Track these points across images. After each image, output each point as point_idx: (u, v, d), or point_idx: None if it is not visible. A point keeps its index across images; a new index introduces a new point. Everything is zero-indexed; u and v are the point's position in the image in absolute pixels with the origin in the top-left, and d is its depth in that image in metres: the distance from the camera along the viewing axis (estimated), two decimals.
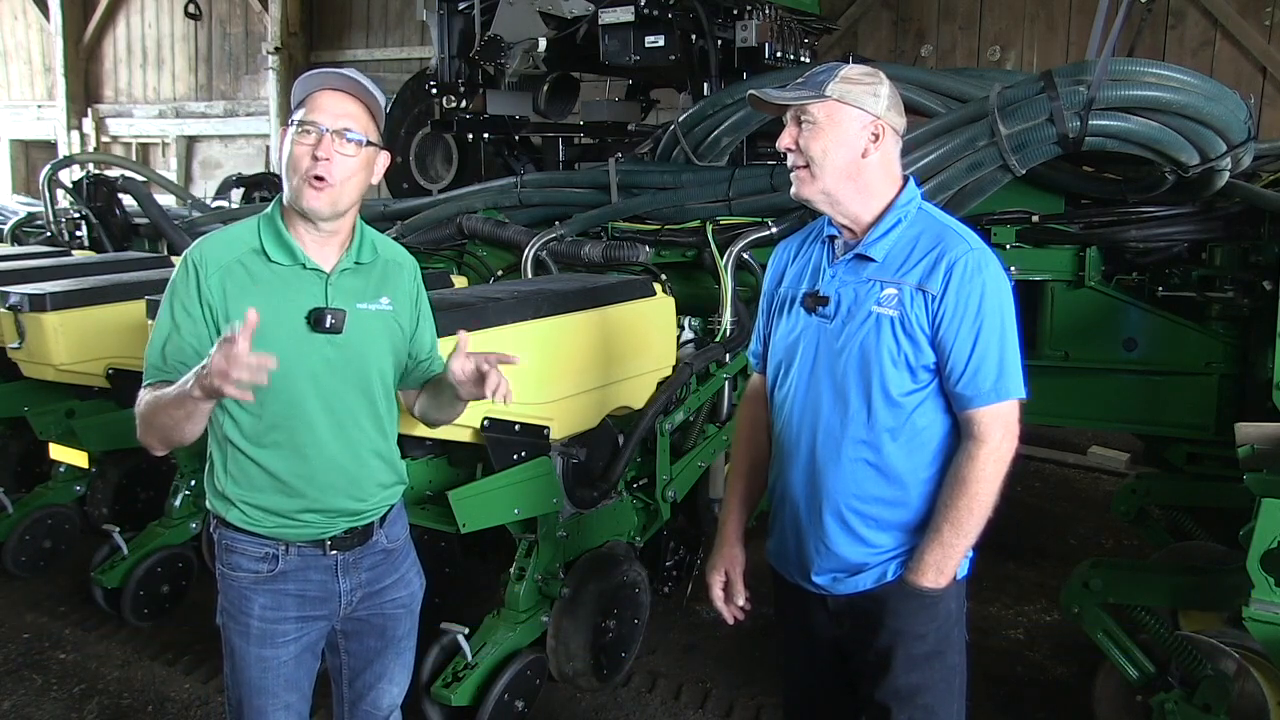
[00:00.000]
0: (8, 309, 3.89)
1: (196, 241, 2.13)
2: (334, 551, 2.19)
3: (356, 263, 2.16)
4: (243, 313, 1.98)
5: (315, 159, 2.00)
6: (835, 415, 2.06)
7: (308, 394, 2.10)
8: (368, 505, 2.23)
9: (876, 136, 2.04)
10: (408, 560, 2.38)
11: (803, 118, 2.04)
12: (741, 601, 2.32)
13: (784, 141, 2.07)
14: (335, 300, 2.11)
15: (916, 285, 2.00)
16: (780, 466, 2.20)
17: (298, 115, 2.04)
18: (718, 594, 2.32)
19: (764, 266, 2.35)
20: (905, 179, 2.13)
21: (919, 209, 2.10)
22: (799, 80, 2.11)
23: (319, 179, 2.01)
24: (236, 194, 6.68)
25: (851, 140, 2.03)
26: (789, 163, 2.09)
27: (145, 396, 2.04)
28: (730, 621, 2.36)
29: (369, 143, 2.07)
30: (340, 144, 2.02)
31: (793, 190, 2.10)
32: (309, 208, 2.04)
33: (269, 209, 2.13)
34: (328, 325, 2.08)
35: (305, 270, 2.10)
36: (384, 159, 2.15)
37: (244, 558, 2.15)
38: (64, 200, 6.13)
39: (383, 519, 2.28)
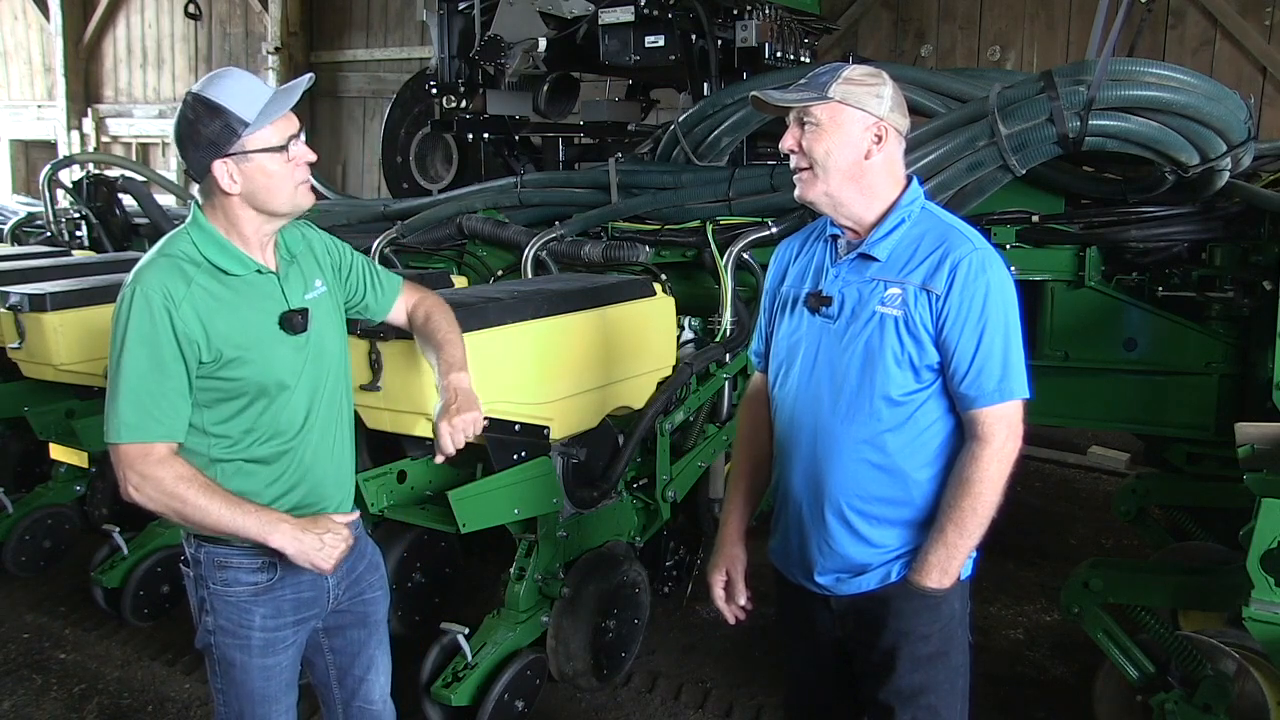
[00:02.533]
0: (8, 309, 3.89)
1: (139, 281, 1.99)
2: None
3: (291, 256, 2.19)
4: (227, 335, 2.01)
5: (306, 164, 2.07)
6: (837, 414, 2.06)
7: (294, 395, 2.12)
8: (346, 492, 2.28)
9: (879, 138, 2.03)
10: (370, 545, 2.42)
11: (805, 119, 2.04)
12: (743, 601, 2.32)
13: (786, 143, 2.07)
14: (292, 298, 2.14)
15: (920, 285, 2.00)
16: (782, 466, 2.20)
17: (278, 137, 2.01)
18: (719, 594, 2.32)
19: (764, 266, 2.35)
20: (909, 179, 2.13)
21: (923, 209, 2.10)
22: (801, 81, 2.10)
23: (307, 177, 2.11)
24: None
25: (854, 142, 2.02)
26: (792, 164, 2.08)
27: (161, 476, 1.96)
28: (732, 621, 2.36)
29: None
30: None
31: (796, 192, 2.09)
32: (306, 205, 2.10)
33: (192, 223, 2.08)
34: (297, 325, 2.11)
35: (260, 275, 2.10)
36: None
37: (241, 571, 2.13)
38: (64, 200, 6.12)
39: None
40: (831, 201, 2.07)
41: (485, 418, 2.98)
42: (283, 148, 2.01)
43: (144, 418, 1.96)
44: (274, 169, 2.01)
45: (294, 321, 2.10)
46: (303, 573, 2.17)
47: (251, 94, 1.98)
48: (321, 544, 2.07)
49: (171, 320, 1.96)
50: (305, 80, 2.08)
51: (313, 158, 2.09)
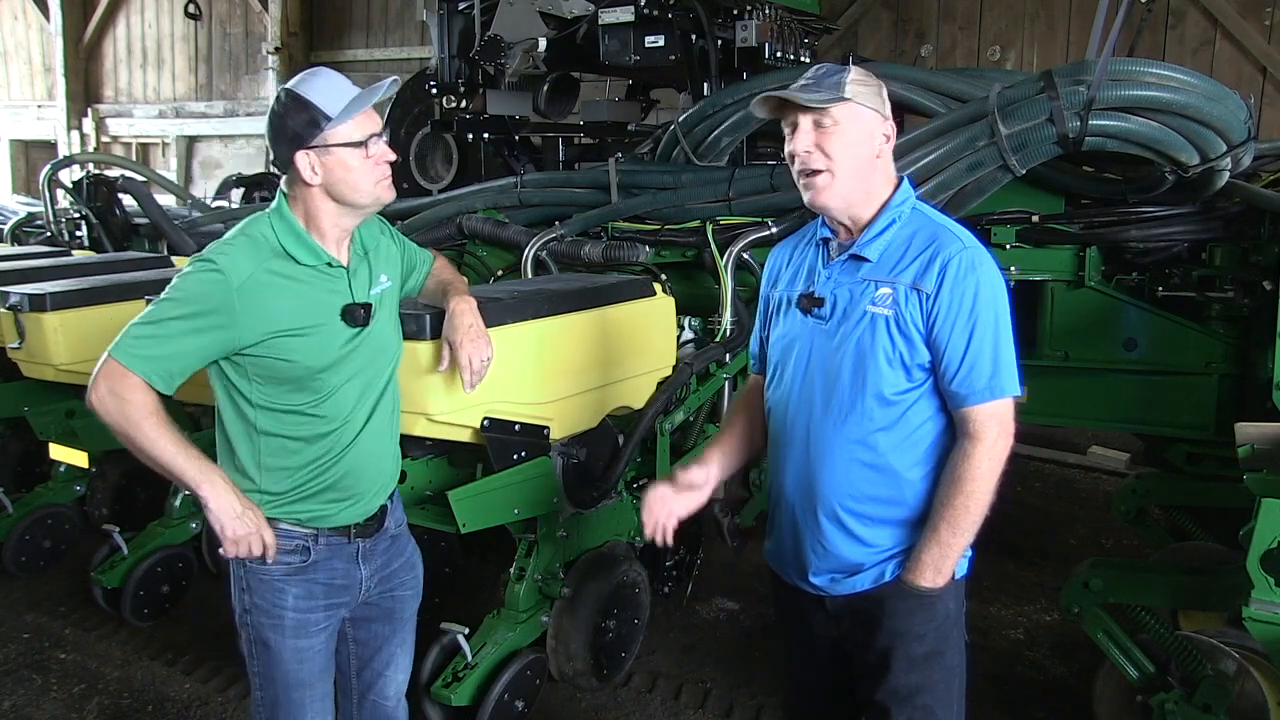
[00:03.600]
0: (8, 309, 3.89)
1: (216, 253, 2.10)
2: (358, 539, 2.27)
3: (364, 252, 2.27)
4: (287, 317, 2.09)
5: (386, 162, 2.16)
6: (829, 415, 2.06)
7: (347, 384, 2.19)
8: (388, 488, 2.34)
9: (887, 137, 2.05)
10: (410, 544, 2.48)
11: (824, 120, 2.00)
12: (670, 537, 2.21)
13: (802, 144, 2.01)
14: (358, 293, 2.21)
15: (911, 284, 2.00)
16: (776, 467, 2.20)
17: (359, 133, 2.09)
18: (655, 513, 2.19)
19: (764, 266, 2.35)
20: (900, 179, 2.13)
21: (913, 208, 2.10)
22: (806, 81, 2.05)
23: (387, 174, 2.18)
24: (236, 194, 6.68)
25: (868, 141, 2.03)
26: (806, 166, 2.02)
27: (130, 400, 2.02)
28: (650, 532, 2.21)
29: None
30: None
31: (808, 198, 2.05)
32: (387, 200, 2.19)
33: (275, 209, 2.17)
34: (361, 319, 2.19)
35: (330, 268, 2.17)
36: None
37: (277, 551, 2.19)
38: (64, 200, 6.12)
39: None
40: (845, 204, 2.06)
41: (485, 418, 3.00)
42: (362, 143, 2.10)
43: (138, 349, 2.04)
44: (353, 163, 2.10)
45: (356, 315, 2.18)
46: (336, 559, 2.24)
47: (338, 91, 2.08)
48: (238, 515, 2.10)
49: (233, 294, 2.03)
50: (389, 82, 2.16)
51: (392, 157, 2.17)
